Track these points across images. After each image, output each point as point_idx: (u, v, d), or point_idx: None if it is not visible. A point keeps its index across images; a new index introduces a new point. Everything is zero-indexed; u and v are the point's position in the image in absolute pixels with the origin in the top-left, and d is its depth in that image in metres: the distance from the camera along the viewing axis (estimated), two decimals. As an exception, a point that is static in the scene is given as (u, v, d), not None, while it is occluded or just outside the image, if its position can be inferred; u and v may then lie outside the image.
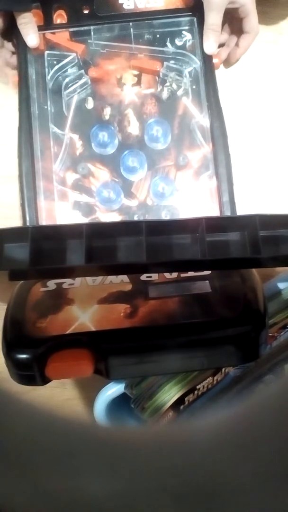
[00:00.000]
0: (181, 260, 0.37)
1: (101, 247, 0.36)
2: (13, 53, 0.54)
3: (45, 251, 0.36)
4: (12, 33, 0.52)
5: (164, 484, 0.17)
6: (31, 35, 0.51)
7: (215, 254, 0.37)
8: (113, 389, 0.44)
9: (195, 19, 0.53)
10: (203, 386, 0.42)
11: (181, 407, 0.41)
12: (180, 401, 0.41)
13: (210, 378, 0.42)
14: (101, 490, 0.17)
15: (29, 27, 0.50)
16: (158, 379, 0.43)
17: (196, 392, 0.42)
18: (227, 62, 0.56)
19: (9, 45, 0.54)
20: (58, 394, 0.53)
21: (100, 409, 0.44)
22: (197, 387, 0.42)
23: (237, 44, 0.54)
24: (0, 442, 0.18)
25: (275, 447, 0.17)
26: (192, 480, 0.17)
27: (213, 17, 0.50)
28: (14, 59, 0.53)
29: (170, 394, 0.42)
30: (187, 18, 0.53)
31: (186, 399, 0.41)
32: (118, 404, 0.44)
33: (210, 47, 0.51)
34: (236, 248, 0.38)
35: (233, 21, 0.53)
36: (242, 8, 0.51)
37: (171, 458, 0.18)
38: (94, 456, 0.18)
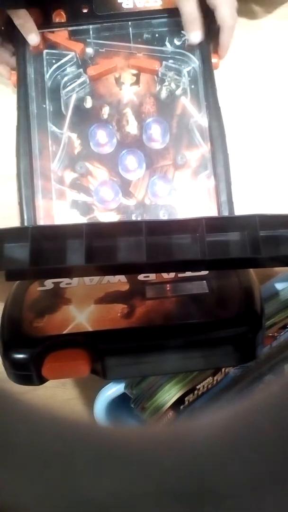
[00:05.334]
0: (181, 260, 0.37)
1: (101, 247, 0.36)
2: (13, 53, 0.53)
3: (45, 251, 0.36)
4: (11, 32, 0.52)
5: (164, 484, 0.17)
6: (31, 34, 0.50)
7: (215, 254, 0.37)
8: (113, 389, 0.44)
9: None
10: (203, 386, 0.42)
11: (181, 407, 0.41)
12: (180, 401, 0.41)
13: (210, 378, 0.42)
14: (100, 490, 0.17)
15: (27, 26, 0.50)
16: (158, 379, 0.43)
17: (196, 392, 0.42)
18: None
19: (9, 45, 0.53)
20: (58, 394, 0.53)
21: (100, 409, 0.44)
22: (197, 387, 0.42)
23: (217, 42, 0.53)
24: (0, 442, 0.18)
25: (274, 448, 0.17)
26: (192, 480, 0.17)
27: (186, 7, 0.48)
28: (14, 60, 0.53)
29: (170, 394, 0.42)
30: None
31: (186, 399, 0.41)
32: (118, 404, 0.44)
33: (194, 36, 0.50)
34: (236, 248, 0.37)
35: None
36: (209, 1, 0.49)
37: (170, 458, 0.18)
38: (94, 456, 0.18)
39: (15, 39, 0.52)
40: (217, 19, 0.49)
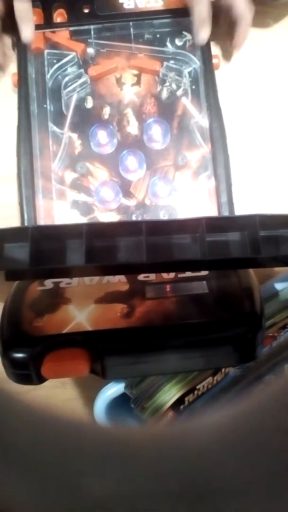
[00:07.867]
0: (181, 260, 0.37)
1: (101, 247, 0.36)
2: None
3: (45, 251, 0.36)
4: (12, 28, 0.52)
5: (164, 484, 0.17)
6: (27, 30, 0.50)
7: (215, 254, 0.37)
8: (113, 389, 0.44)
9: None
10: (203, 386, 0.42)
11: (181, 407, 0.41)
12: (180, 401, 0.41)
13: (210, 378, 0.42)
14: (101, 490, 0.17)
15: (26, 21, 0.50)
16: (158, 379, 0.42)
17: (196, 392, 0.42)
18: (231, 52, 0.55)
19: (8, 40, 0.53)
20: (58, 394, 0.53)
21: (100, 409, 0.44)
22: (197, 387, 0.42)
23: (232, 34, 0.53)
24: (1, 442, 0.18)
25: (274, 447, 0.17)
26: (192, 480, 0.17)
27: (199, 10, 0.49)
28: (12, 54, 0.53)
29: (170, 394, 0.41)
30: (187, 18, 0.53)
31: (186, 399, 0.41)
32: (118, 404, 0.44)
33: (203, 35, 0.51)
34: (236, 248, 0.37)
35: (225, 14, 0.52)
36: (223, 1, 0.50)
37: (171, 458, 0.18)
38: (94, 456, 0.18)
39: (16, 36, 0.52)
40: (234, 16, 0.50)
